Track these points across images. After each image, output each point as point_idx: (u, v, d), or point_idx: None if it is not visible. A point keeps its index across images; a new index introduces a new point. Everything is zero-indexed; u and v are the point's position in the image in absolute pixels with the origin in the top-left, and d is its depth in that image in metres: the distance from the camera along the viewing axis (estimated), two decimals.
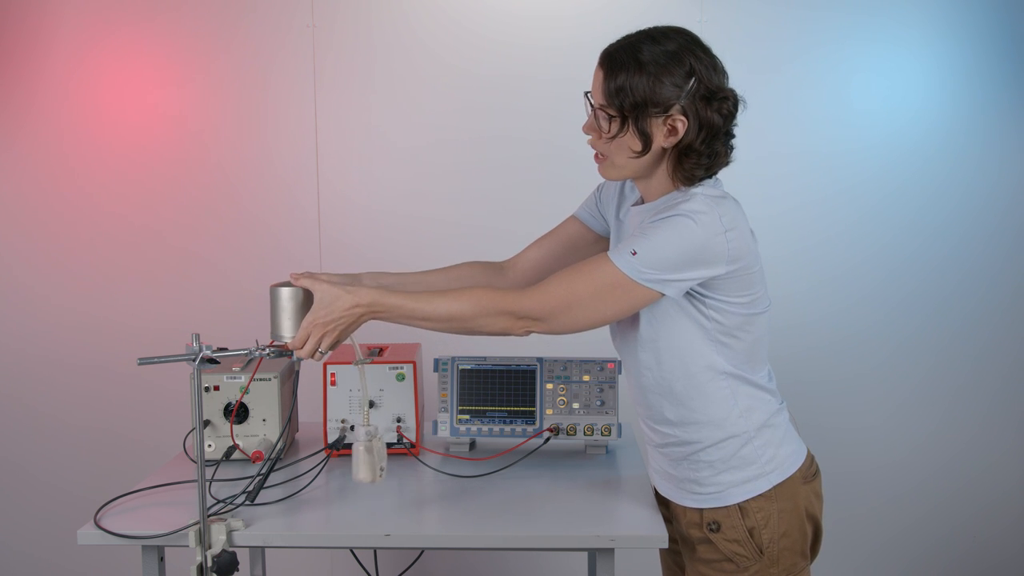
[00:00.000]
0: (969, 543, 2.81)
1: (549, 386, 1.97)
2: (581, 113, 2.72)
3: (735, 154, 1.53)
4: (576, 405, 1.96)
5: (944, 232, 2.71)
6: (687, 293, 1.44)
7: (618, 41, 1.46)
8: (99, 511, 1.62)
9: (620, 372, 1.98)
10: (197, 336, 1.48)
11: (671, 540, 1.68)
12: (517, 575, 2.85)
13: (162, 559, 1.61)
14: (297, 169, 2.72)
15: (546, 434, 1.95)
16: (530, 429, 1.96)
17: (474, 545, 1.57)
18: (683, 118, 1.41)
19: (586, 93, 1.49)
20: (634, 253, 1.38)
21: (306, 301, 1.54)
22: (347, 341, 1.95)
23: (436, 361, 2.00)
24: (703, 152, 1.43)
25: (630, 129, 1.42)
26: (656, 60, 1.41)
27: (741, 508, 1.50)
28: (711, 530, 1.52)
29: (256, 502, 1.66)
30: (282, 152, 2.72)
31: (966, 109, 2.67)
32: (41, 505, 2.84)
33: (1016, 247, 2.72)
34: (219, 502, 1.64)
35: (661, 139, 1.43)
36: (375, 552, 2.14)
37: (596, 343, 2.68)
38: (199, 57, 2.69)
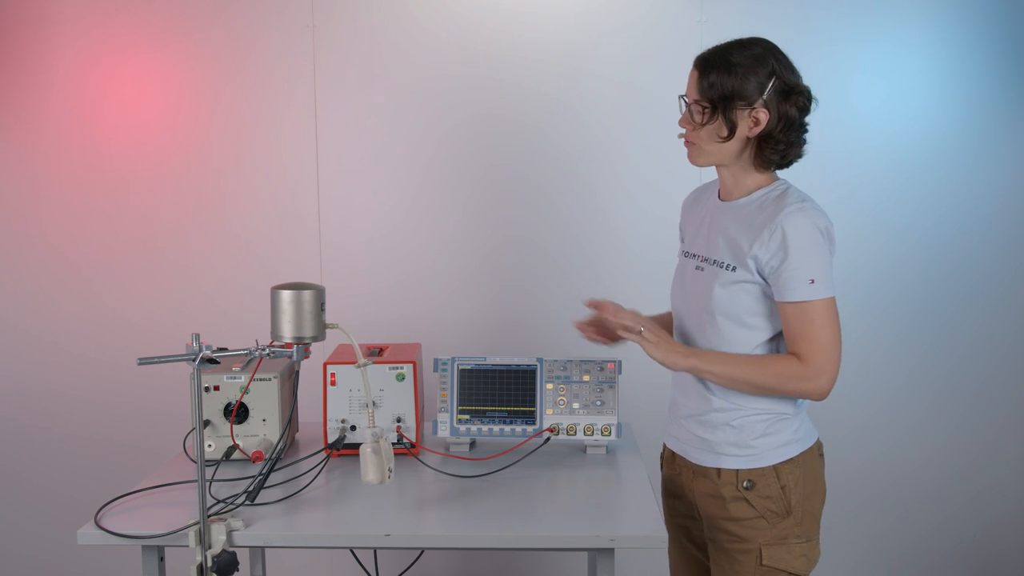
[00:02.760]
0: (959, 538, 2.81)
1: (549, 386, 1.97)
2: (583, 110, 2.73)
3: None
4: (576, 405, 1.96)
5: (945, 231, 2.71)
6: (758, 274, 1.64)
7: (711, 48, 1.67)
8: (99, 511, 1.62)
9: (620, 372, 1.98)
10: (197, 336, 1.48)
11: (686, 517, 1.81)
12: (517, 575, 2.85)
13: (162, 559, 1.61)
14: (297, 170, 2.72)
15: (546, 434, 1.95)
16: (530, 429, 1.96)
17: (474, 545, 1.57)
18: (765, 111, 1.61)
19: (680, 96, 1.69)
20: (813, 281, 1.58)
21: (310, 303, 1.54)
22: (347, 342, 1.95)
23: (436, 361, 2.00)
24: (780, 140, 1.64)
25: (719, 118, 1.62)
26: (743, 62, 1.62)
27: (775, 469, 1.66)
28: (746, 488, 1.67)
29: (256, 502, 1.66)
30: (282, 153, 2.72)
31: (966, 109, 2.67)
32: (41, 505, 2.84)
33: (1018, 246, 2.72)
34: (219, 502, 1.65)
35: (745, 129, 1.63)
36: (375, 552, 2.14)
37: (596, 343, 2.69)
38: (199, 57, 2.69)
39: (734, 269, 1.65)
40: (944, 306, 2.74)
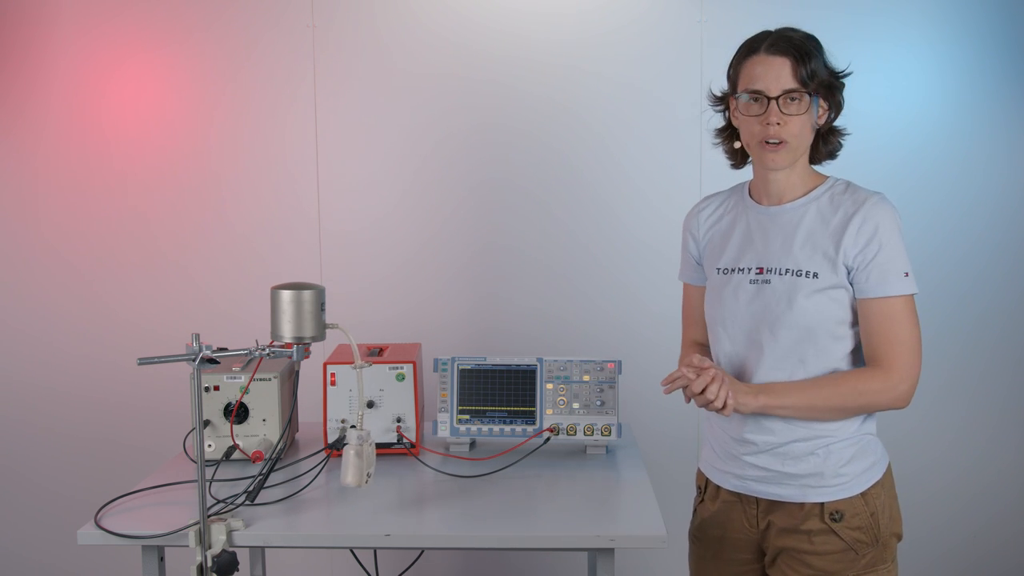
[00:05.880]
0: (965, 537, 2.82)
1: (549, 386, 1.97)
2: (583, 110, 2.72)
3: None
4: (576, 405, 1.96)
5: (946, 231, 2.71)
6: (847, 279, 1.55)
7: (781, 32, 1.58)
8: (99, 511, 1.62)
9: (620, 372, 1.98)
10: (197, 336, 1.48)
11: (732, 548, 1.68)
12: (517, 575, 2.85)
13: (162, 559, 1.61)
14: (297, 170, 2.72)
15: (546, 434, 1.95)
16: (530, 429, 1.96)
17: (474, 545, 1.57)
18: (839, 102, 1.59)
19: (751, 94, 1.55)
20: (907, 274, 1.51)
21: (310, 303, 1.54)
22: (346, 342, 1.95)
23: (436, 361, 2.00)
24: (837, 130, 1.62)
25: (812, 106, 1.54)
26: (815, 43, 1.57)
27: (864, 496, 1.56)
28: (833, 520, 1.55)
29: (256, 502, 1.66)
30: (282, 153, 2.72)
31: (967, 109, 2.67)
32: (41, 505, 2.84)
33: (1019, 246, 2.72)
34: (219, 502, 1.64)
35: (815, 118, 1.57)
36: (375, 552, 2.14)
37: (596, 343, 2.70)
38: (199, 57, 2.69)
39: (816, 276, 1.53)
40: (943, 305, 2.73)
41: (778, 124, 1.52)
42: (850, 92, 2.61)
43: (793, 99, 1.52)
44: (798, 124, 1.53)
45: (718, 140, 1.72)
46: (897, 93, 2.66)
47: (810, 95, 1.53)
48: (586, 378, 1.97)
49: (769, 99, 1.52)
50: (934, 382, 2.75)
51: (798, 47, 1.53)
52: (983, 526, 2.81)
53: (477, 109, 2.69)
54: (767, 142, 1.54)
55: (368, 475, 1.59)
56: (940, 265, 2.71)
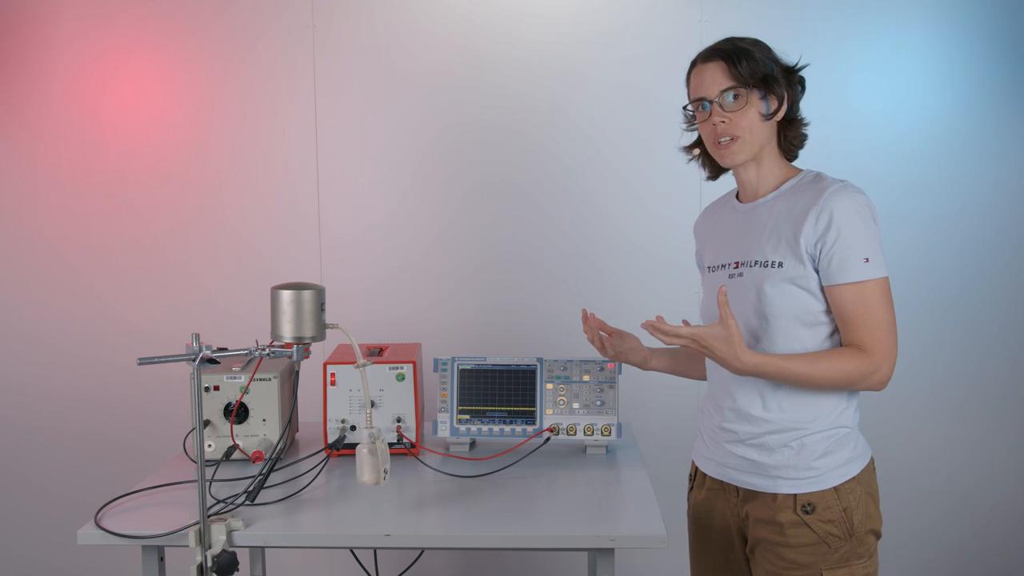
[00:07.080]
0: (956, 535, 2.82)
1: (549, 386, 1.97)
2: (583, 110, 2.72)
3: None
4: (576, 405, 1.96)
5: (945, 230, 2.71)
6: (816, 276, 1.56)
7: (713, 46, 1.63)
8: (99, 511, 1.62)
9: (620, 372, 1.98)
10: (197, 336, 1.48)
11: (720, 536, 1.71)
12: (517, 575, 2.85)
13: (162, 559, 1.60)
14: (297, 170, 2.72)
15: (546, 434, 1.95)
16: (530, 429, 1.96)
17: (474, 545, 1.57)
18: (779, 93, 1.60)
19: (697, 101, 1.63)
20: (867, 260, 1.51)
21: (310, 303, 1.54)
22: (347, 342, 1.95)
23: (436, 361, 2.00)
24: (799, 122, 1.65)
25: (758, 99, 1.59)
26: (756, 44, 1.61)
27: (837, 490, 1.58)
28: (805, 512, 1.58)
29: (256, 502, 1.66)
30: (282, 152, 2.72)
31: (967, 109, 2.67)
32: (41, 505, 2.84)
33: (1018, 247, 2.72)
34: (219, 502, 1.64)
35: (770, 112, 1.61)
36: (375, 552, 2.14)
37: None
38: (199, 57, 2.69)
39: (781, 265, 1.56)
40: (939, 302, 2.73)
41: (723, 122, 1.59)
42: (850, 92, 2.64)
43: (735, 96, 1.58)
44: (745, 119, 1.58)
45: (690, 157, 1.79)
46: (897, 93, 2.67)
47: (748, 89, 1.57)
48: (586, 378, 1.97)
49: (710, 102, 1.60)
50: (929, 379, 2.76)
51: (727, 50, 1.60)
52: (980, 522, 2.81)
53: (477, 109, 2.69)
54: (719, 142, 1.61)
55: (385, 471, 1.59)
56: (937, 263, 2.72)
